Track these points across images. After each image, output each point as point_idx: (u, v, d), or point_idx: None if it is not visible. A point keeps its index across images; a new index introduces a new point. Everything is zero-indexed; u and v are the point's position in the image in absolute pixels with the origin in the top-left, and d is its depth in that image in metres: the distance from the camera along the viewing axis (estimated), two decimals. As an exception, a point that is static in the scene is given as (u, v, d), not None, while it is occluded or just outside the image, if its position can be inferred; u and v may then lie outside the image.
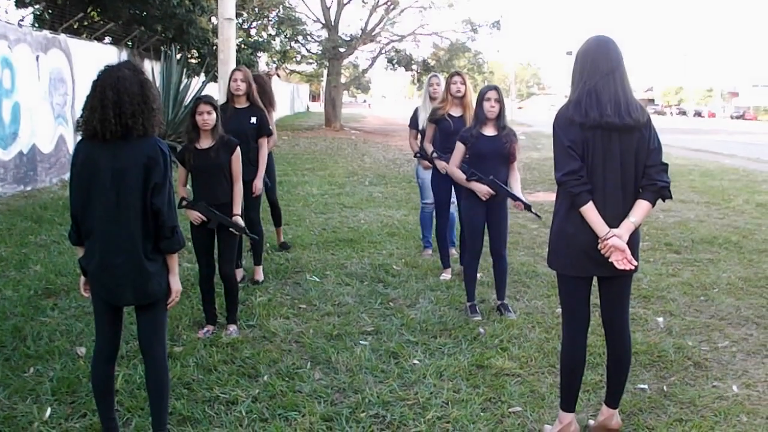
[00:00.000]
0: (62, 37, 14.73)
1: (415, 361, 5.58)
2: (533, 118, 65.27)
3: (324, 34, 37.39)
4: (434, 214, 8.85)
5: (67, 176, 14.31)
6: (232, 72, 7.53)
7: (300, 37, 36.52)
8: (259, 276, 7.61)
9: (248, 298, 6.98)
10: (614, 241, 3.96)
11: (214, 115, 5.86)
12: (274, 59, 32.14)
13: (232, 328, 6.11)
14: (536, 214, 6.68)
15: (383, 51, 38.27)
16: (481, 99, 6.50)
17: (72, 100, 14.83)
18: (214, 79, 21.85)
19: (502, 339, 6.08)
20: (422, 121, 8.47)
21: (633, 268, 4.05)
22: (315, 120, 45.94)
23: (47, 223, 10.25)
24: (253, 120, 7.34)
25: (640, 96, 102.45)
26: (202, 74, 21.63)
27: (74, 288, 7.07)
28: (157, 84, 18.06)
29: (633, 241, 4.10)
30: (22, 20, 16.55)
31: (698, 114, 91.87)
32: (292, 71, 46.03)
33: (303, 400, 4.84)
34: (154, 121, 3.75)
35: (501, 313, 6.73)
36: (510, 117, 8.43)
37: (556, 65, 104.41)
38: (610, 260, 4.03)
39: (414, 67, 38.67)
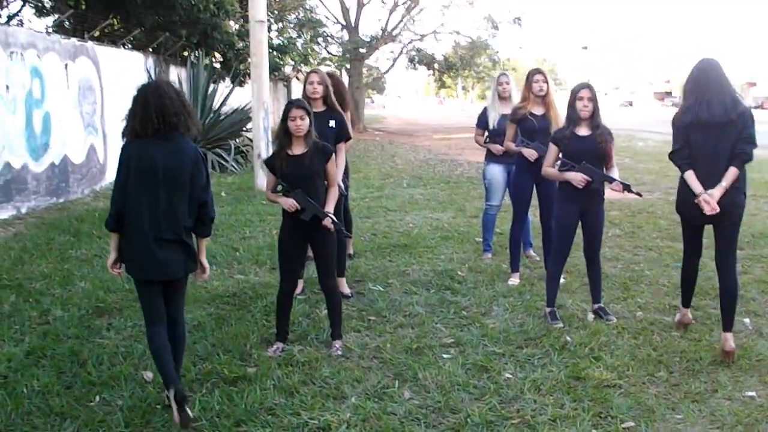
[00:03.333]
0: (90, 44, 14.37)
1: (508, 375, 5.19)
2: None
3: (344, 35, 37.03)
4: (497, 216, 8.59)
5: (99, 186, 14.05)
6: (308, 74, 7.08)
7: (320, 39, 36.20)
8: (345, 289, 7.08)
9: (313, 311, 6.59)
10: (703, 197, 5.39)
11: (307, 120, 5.46)
12: (295, 61, 31.75)
13: (338, 344, 5.75)
14: (637, 193, 6.37)
15: (404, 50, 37.89)
16: (573, 98, 6.13)
17: (101, 109, 14.46)
18: (241, 83, 21.62)
19: (592, 347, 5.70)
20: (492, 120, 8.17)
21: (716, 211, 5.37)
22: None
23: (85, 236, 9.88)
24: (332, 124, 6.87)
25: (657, 89, 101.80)
26: (227, 79, 21.30)
27: (127, 306, 6.74)
28: (185, 90, 17.73)
29: (732, 198, 5.45)
30: (49, 28, 16.20)
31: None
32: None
33: (400, 424, 4.46)
34: (193, 120, 4.50)
35: (600, 316, 6.41)
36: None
37: (571, 61, 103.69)
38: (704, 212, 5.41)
39: (435, 65, 38.31)
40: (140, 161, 4.32)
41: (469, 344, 5.78)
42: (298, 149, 5.52)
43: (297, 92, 47.88)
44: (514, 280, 7.52)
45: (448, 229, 10.39)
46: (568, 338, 5.87)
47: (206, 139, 17.28)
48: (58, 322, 6.33)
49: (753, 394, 4.94)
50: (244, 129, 18.99)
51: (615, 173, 6.28)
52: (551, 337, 5.92)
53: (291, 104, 5.50)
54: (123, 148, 4.42)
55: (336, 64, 37.47)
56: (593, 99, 6.10)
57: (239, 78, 21.27)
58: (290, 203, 5.47)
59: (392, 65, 39.60)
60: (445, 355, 5.57)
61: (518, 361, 5.46)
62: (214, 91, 18.58)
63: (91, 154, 14.03)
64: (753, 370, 5.33)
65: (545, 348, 5.71)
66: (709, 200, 5.36)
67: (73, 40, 13.94)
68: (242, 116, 18.58)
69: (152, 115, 4.29)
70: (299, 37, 32.34)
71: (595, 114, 6.13)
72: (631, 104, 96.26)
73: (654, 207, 11.95)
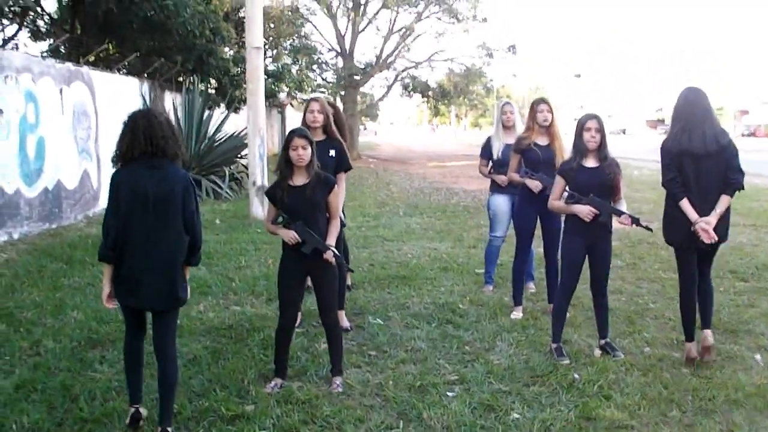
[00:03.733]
0: (85, 69, 14.23)
1: (516, 415, 5.01)
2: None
3: (339, 62, 37.00)
4: (500, 248, 8.45)
5: (92, 212, 13.86)
6: (308, 102, 6.92)
7: (315, 66, 36.13)
8: (344, 322, 6.85)
9: (311, 345, 6.41)
10: (701, 225, 5.64)
11: (309, 150, 5.30)
12: (289, 87, 31.57)
13: (339, 380, 5.54)
14: (646, 227, 6.32)
15: (399, 78, 37.81)
16: (580, 129, 6.01)
17: (96, 134, 14.27)
18: (236, 110, 21.50)
19: (601, 385, 5.53)
20: (497, 151, 8.01)
21: (715, 240, 5.65)
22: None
23: (78, 263, 9.68)
24: (332, 153, 6.69)
25: (650, 117, 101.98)
26: (222, 105, 21.18)
27: (120, 338, 6.43)
28: (180, 116, 17.60)
29: (724, 225, 5.79)
30: (44, 52, 16.07)
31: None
32: (305, 100, 45.50)
33: (406, 468, 4.27)
34: (180, 147, 4.54)
35: (607, 352, 6.24)
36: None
37: (564, 88, 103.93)
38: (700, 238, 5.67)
39: (430, 93, 38.25)
40: (130, 188, 4.38)
41: (474, 381, 5.60)
42: (299, 180, 5.36)
43: (291, 119, 47.76)
44: (517, 314, 7.35)
45: (447, 260, 10.21)
46: (576, 375, 5.70)
47: (200, 165, 17.16)
48: (49, 354, 6.13)
49: (771, 436, 4.77)
50: (239, 156, 18.84)
51: (623, 206, 6.15)
52: (558, 374, 5.74)
53: (293, 133, 5.34)
54: (113, 177, 4.48)
55: (330, 91, 37.45)
56: (600, 130, 5.97)
57: (234, 104, 21.15)
58: (291, 235, 5.29)
59: (387, 92, 39.53)
60: (449, 393, 5.38)
61: (525, 400, 5.27)
62: (209, 117, 18.45)
63: (85, 179, 13.86)
64: (768, 410, 5.17)
65: (553, 386, 5.53)
66: (707, 228, 5.65)
67: (68, 64, 13.81)
68: (237, 143, 18.45)
69: (140, 137, 4.36)
70: (294, 63, 32.29)
71: (602, 145, 6.00)
72: (624, 132, 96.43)
73: (654, 237, 11.72)
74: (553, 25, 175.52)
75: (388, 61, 36.39)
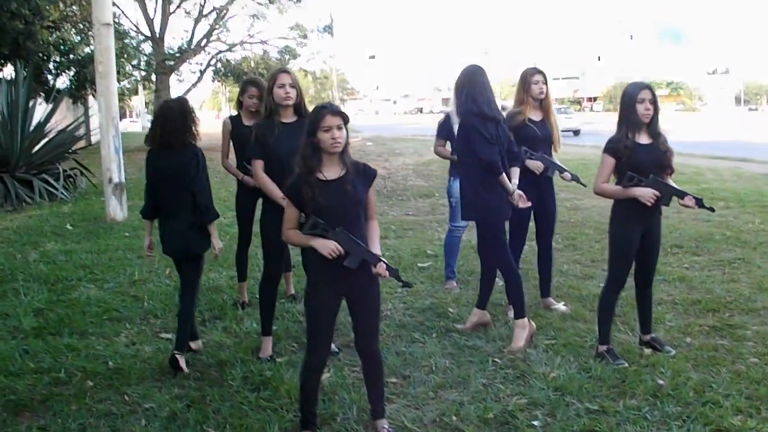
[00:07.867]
0: None
1: (636, 443, 4.01)
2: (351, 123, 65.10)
3: (147, 47, 34.48)
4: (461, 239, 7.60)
5: None
6: (277, 75, 5.36)
7: (124, 51, 33.45)
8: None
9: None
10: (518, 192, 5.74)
11: (344, 131, 3.98)
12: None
13: (385, 424, 4.26)
14: (710, 208, 5.43)
15: (212, 63, 35.71)
16: (632, 101, 5.09)
17: None
18: (54, 99, 19.12)
19: (694, 389, 4.71)
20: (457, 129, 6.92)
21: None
22: (137, 139, 42.53)
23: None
24: None
25: (446, 95, 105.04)
26: (42, 96, 18.83)
27: (50, 396, 4.92)
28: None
29: None
30: None
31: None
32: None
33: None
34: (189, 134, 5.29)
35: (657, 348, 5.45)
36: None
37: (360, 70, 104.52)
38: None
39: (244, 77, 36.42)
40: (154, 167, 5.40)
41: (551, 404, 4.56)
42: (332, 172, 4.01)
43: (94, 110, 44.16)
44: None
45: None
46: (660, 382, 4.80)
47: (29, 164, 14.96)
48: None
49: None
50: (71, 151, 16.68)
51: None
52: (635, 381, 4.85)
53: (324, 110, 3.95)
54: (146, 156, 5.50)
55: (134, 79, 34.90)
56: (654, 101, 5.10)
57: (54, 94, 18.82)
58: (331, 246, 3.92)
59: (200, 78, 37.19)
60: (534, 423, 4.32)
61: (628, 419, 4.34)
62: (33, 108, 16.13)
63: None
64: None
65: (644, 397, 4.63)
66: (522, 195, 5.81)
67: None
68: (67, 136, 16.28)
69: (157, 129, 5.33)
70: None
71: (655, 119, 5.15)
72: (420, 111, 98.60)
73: (575, 215, 11.20)
74: (349, 6, 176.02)
75: (202, 44, 34.29)
